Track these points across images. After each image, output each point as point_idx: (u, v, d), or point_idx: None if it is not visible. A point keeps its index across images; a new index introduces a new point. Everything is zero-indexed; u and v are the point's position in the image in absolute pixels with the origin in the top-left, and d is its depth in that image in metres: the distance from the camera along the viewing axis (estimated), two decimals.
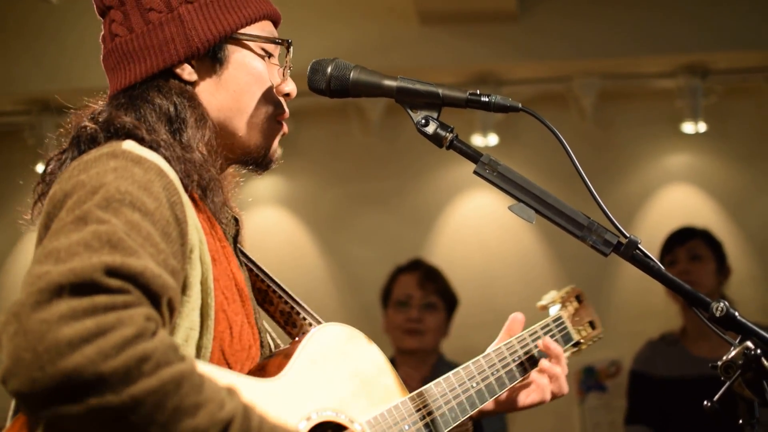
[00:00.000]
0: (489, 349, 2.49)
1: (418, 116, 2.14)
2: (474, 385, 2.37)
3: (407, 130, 2.18)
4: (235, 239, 2.25)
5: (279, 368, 2.04)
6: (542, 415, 6.44)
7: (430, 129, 2.13)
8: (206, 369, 1.77)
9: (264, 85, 2.19)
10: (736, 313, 1.98)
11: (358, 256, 6.54)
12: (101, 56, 2.19)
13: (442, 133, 2.13)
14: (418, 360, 5.14)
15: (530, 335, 2.57)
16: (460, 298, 5.38)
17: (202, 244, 1.93)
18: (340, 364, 2.11)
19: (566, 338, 2.68)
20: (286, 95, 2.24)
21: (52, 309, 1.58)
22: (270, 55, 2.22)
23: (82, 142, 2.02)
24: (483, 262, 6.52)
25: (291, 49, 2.23)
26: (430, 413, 2.25)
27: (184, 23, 2.10)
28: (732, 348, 1.97)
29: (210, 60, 2.14)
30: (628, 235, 2.05)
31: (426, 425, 2.23)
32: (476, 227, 6.56)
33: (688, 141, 6.45)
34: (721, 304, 1.98)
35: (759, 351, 1.94)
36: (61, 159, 2.05)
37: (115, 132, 2.00)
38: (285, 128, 2.26)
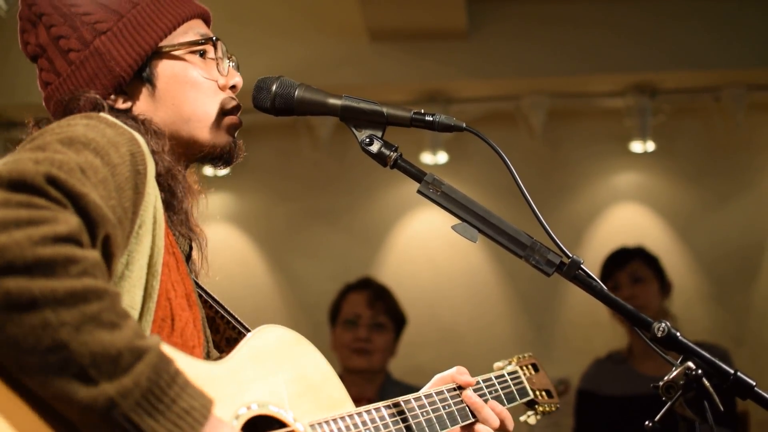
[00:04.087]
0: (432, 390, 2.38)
1: (363, 135, 2.14)
2: (424, 413, 2.29)
3: (357, 147, 2.17)
4: (188, 258, 2.19)
5: (219, 359, 1.99)
6: None
7: (375, 148, 2.13)
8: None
9: (200, 88, 2.15)
10: (678, 334, 1.99)
11: (308, 273, 6.52)
12: (43, 101, 2.18)
13: (386, 152, 2.12)
14: (365, 379, 5.10)
15: (484, 381, 2.49)
16: (407, 316, 5.37)
17: (158, 226, 1.87)
18: (285, 365, 2.05)
19: (522, 393, 2.61)
20: (232, 88, 2.21)
21: None
22: (204, 53, 2.18)
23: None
24: (431, 280, 6.52)
25: (219, 44, 2.19)
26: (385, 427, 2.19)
27: (102, 56, 2.09)
28: (673, 368, 1.98)
29: (139, 82, 2.12)
30: (570, 255, 2.05)
31: None
32: (425, 245, 6.56)
33: (637, 160, 6.50)
34: (663, 325, 1.98)
35: (700, 371, 1.95)
36: None
37: (83, 106, 2.01)
38: (238, 120, 2.20)
